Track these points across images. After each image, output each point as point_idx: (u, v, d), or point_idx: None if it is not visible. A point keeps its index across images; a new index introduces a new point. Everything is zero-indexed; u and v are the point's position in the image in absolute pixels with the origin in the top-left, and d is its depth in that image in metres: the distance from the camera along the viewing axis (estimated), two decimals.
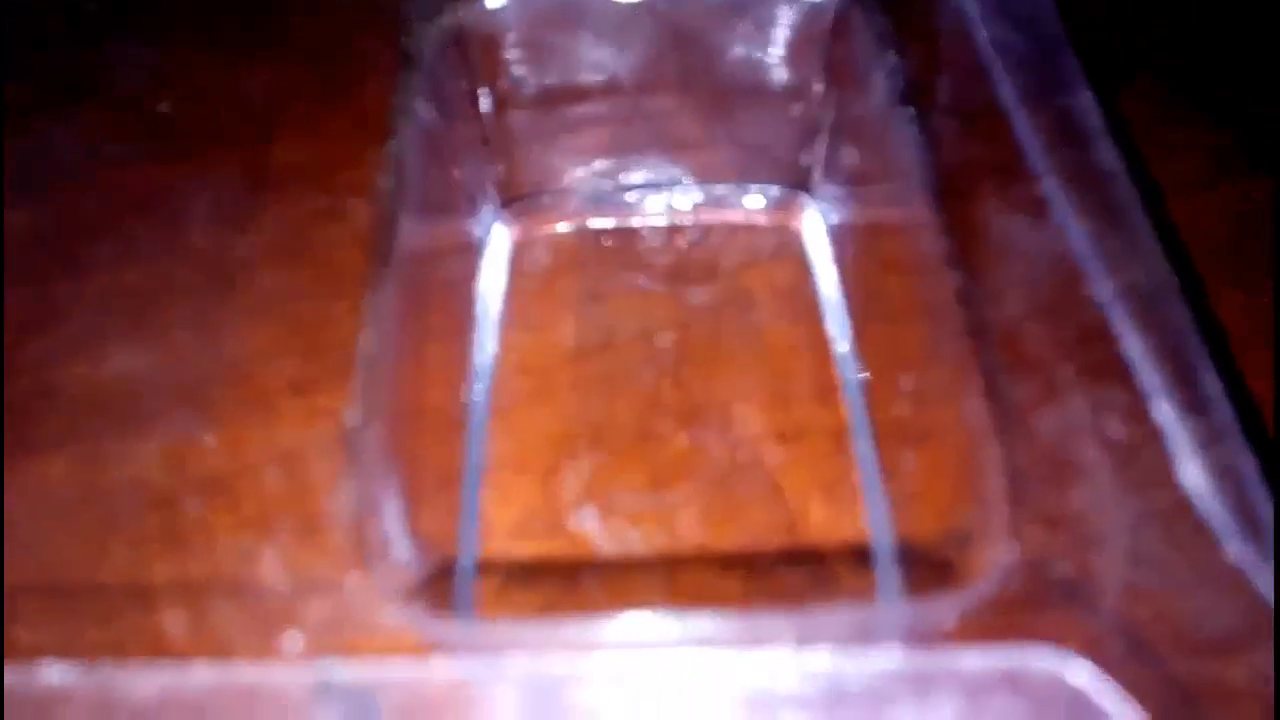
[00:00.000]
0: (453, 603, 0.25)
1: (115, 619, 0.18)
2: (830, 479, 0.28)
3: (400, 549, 0.22)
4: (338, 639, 0.18)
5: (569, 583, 0.27)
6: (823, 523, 0.27)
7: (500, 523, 0.28)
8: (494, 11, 0.30)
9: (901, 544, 0.26)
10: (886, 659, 0.17)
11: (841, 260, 0.32)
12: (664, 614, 0.18)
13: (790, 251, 0.33)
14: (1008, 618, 0.19)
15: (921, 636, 0.19)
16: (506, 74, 0.31)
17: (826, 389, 0.30)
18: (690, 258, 0.33)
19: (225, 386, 0.21)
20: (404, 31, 0.27)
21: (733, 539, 0.27)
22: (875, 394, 0.29)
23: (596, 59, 0.31)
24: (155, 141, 0.24)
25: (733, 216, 0.34)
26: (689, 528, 0.27)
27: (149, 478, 0.20)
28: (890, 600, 0.25)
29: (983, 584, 0.19)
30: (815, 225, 0.34)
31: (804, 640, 0.18)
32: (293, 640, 0.18)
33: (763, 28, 0.31)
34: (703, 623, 0.19)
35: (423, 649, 0.19)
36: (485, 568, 0.27)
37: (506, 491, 0.28)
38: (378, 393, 0.22)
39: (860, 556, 0.27)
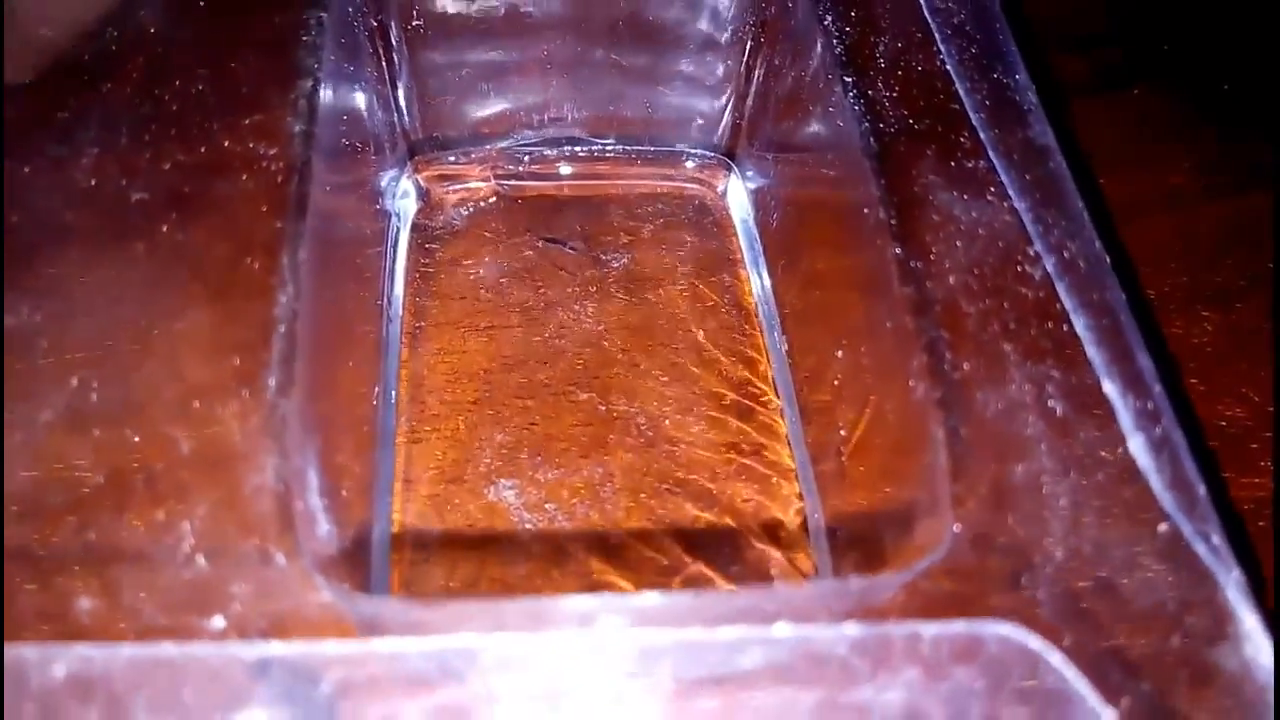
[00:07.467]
0: (369, 577, 0.24)
1: (17, 596, 0.17)
2: (760, 458, 0.28)
3: (321, 523, 0.20)
4: (267, 616, 0.17)
5: (489, 558, 0.26)
6: (753, 502, 0.27)
7: (416, 493, 0.26)
8: None
9: (833, 523, 0.26)
10: (843, 633, 0.17)
11: (767, 228, 0.32)
12: (612, 594, 0.18)
13: (714, 218, 0.33)
14: (954, 591, 0.19)
15: (869, 611, 0.19)
16: (420, 10, 0.29)
17: (755, 364, 0.30)
18: (609, 223, 0.32)
19: (130, 346, 0.19)
20: None
21: (661, 517, 0.27)
22: (805, 371, 0.29)
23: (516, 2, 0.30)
24: (41, 71, 0.22)
25: (654, 180, 0.33)
26: (615, 501, 0.27)
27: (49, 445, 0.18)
28: (834, 577, 0.25)
29: (929, 558, 0.19)
30: (738, 192, 0.33)
31: (757, 618, 0.17)
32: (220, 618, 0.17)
33: None
34: (649, 601, 0.18)
35: (357, 628, 0.17)
36: (401, 540, 0.25)
37: (423, 460, 0.27)
38: (295, 359, 0.20)
39: (794, 535, 0.26)
